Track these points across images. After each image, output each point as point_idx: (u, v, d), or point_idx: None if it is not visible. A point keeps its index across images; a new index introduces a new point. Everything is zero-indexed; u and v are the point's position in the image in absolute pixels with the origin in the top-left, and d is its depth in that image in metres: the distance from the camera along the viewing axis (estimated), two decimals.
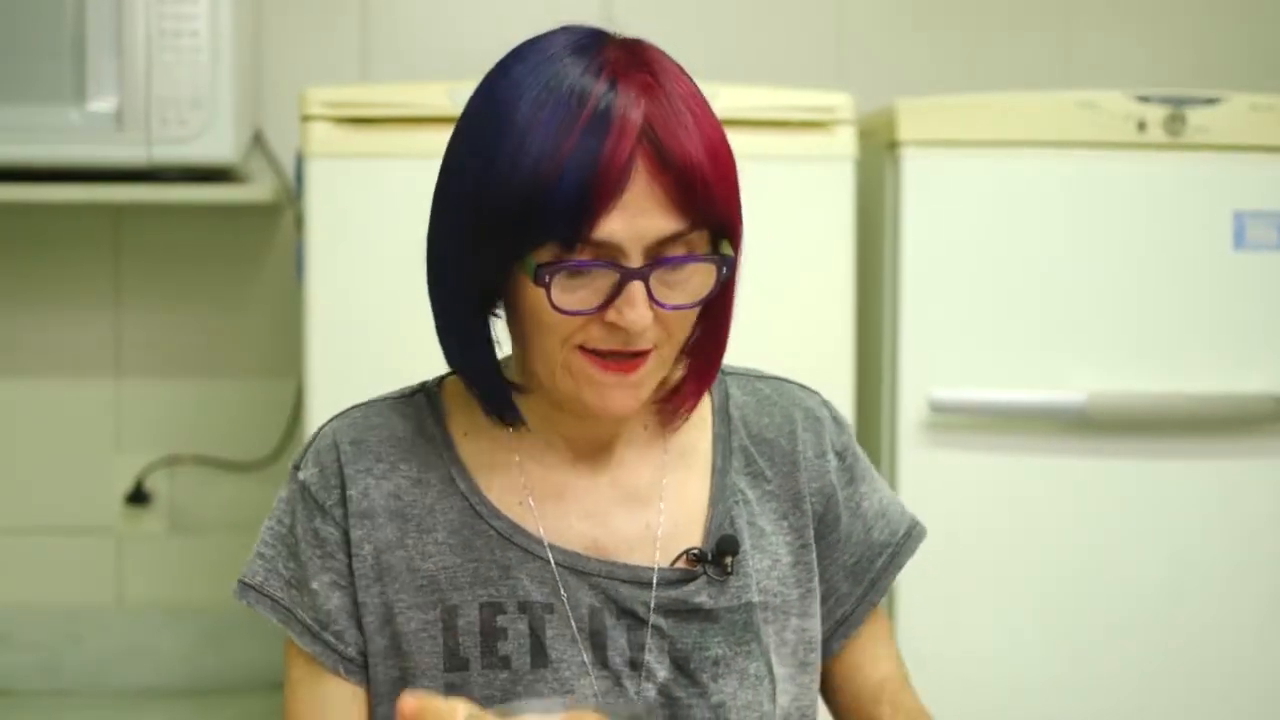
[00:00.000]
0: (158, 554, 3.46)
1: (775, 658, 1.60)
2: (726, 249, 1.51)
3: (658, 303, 1.47)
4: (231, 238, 3.44)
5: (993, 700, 2.70)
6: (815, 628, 1.63)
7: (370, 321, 2.60)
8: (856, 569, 1.67)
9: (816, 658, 1.64)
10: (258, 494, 3.35)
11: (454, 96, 1.47)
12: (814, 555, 1.64)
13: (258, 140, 3.35)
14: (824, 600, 1.66)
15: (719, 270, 1.50)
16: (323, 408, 2.61)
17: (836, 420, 1.71)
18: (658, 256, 1.46)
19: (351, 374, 2.62)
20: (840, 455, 1.68)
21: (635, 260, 1.45)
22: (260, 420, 3.43)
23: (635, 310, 1.45)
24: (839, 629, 1.67)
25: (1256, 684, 2.76)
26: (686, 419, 1.63)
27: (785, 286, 2.69)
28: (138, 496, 3.45)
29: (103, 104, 2.97)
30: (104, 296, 3.44)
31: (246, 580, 1.62)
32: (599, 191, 1.42)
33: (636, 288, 1.45)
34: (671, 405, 1.61)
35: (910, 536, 1.70)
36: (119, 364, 3.46)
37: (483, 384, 1.59)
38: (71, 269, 3.43)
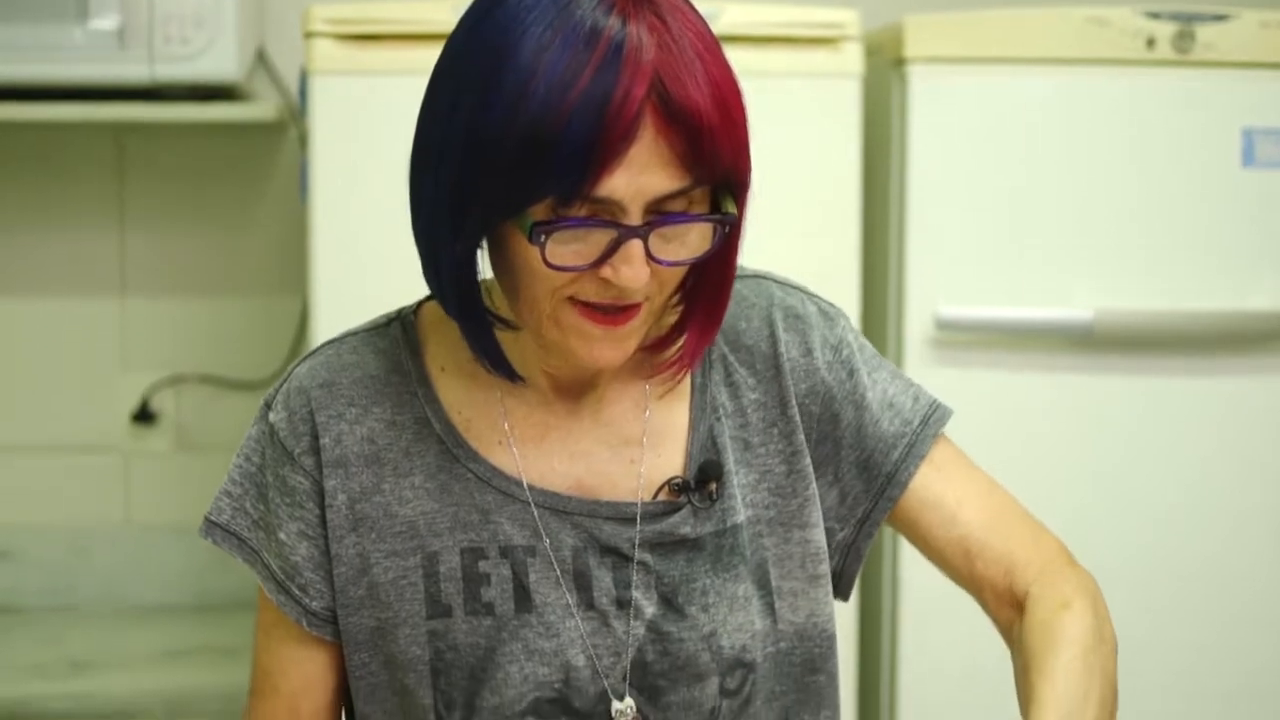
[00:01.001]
0: (164, 472, 3.47)
1: (778, 571, 1.57)
2: (729, 205, 1.43)
3: (655, 259, 1.40)
4: (235, 156, 3.43)
5: None
6: (819, 537, 1.59)
7: (374, 239, 2.59)
8: (869, 464, 1.60)
9: (826, 568, 1.60)
10: None
11: (458, 12, 1.44)
12: (808, 461, 1.59)
13: (261, 58, 3.33)
14: (842, 501, 1.61)
15: (719, 229, 1.43)
16: (327, 326, 2.61)
17: (825, 313, 1.64)
18: (657, 213, 1.39)
19: (356, 292, 2.62)
20: (834, 349, 1.62)
21: (634, 217, 1.38)
22: (265, 339, 3.43)
23: (632, 268, 1.39)
24: (862, 529, 1.62)
25: (1261, 597, 2.77)
26: (685, 376, 1.58)
27: (791, 205, 2.68)
28: (144, 415, 3.45)
29: (105, 22, 2.95)
30: (108, 216, 3.43)
31: (212, 518, 1.59)
32: (605, 147, 1.34)
33: (634, 246, 1.38)
34: (671, 362, 1.55)
35: (928, 424, 1.62)
36: (123, 283, 3.45)
37: (473, 328, 1.51)
38: (75, 188, 3.42)
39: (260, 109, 3.18)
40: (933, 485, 1.61)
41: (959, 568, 1.60)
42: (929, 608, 2.75)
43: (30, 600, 3.43)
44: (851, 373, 1.62)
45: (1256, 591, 2.77)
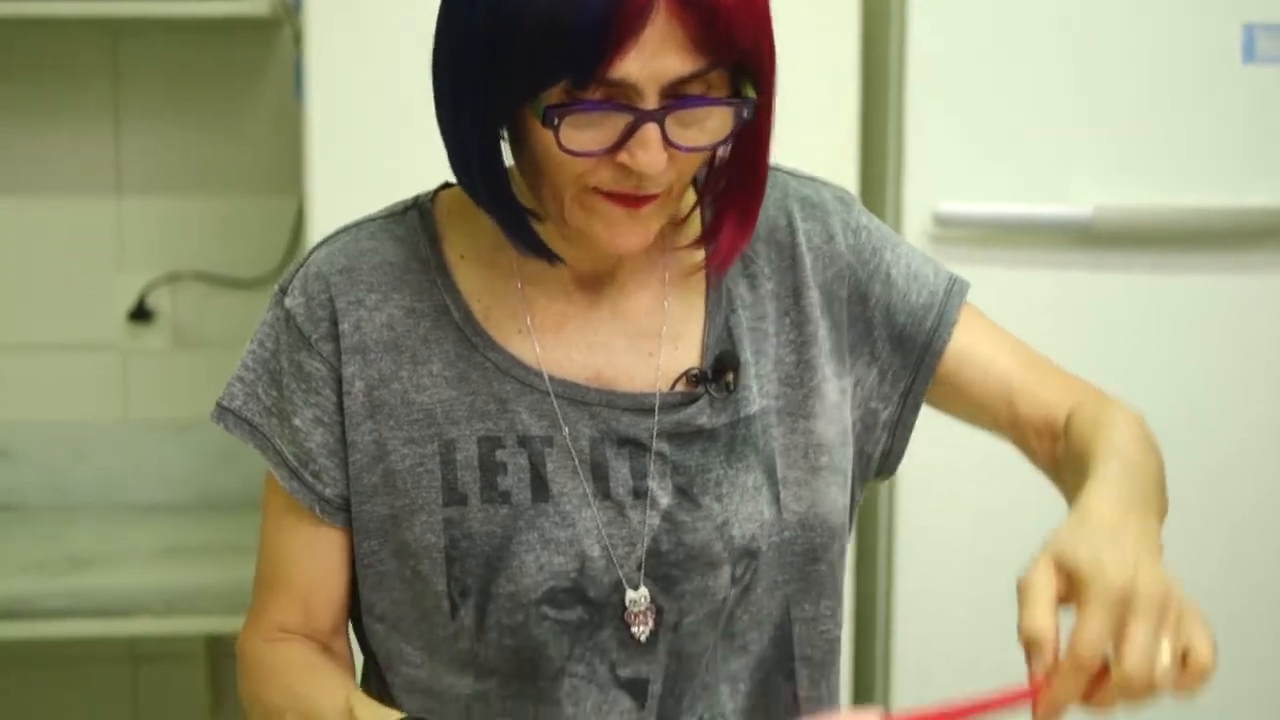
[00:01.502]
0: (161, 370, 3.47)
1: (784, 461, 1.57)
2: (749, 89, 1.43)
3: (673, 144, 1.39)
4: (230, 54, 3.41)
5: (993, 506, 2.72)
6: (822, 428, 1.59)
7: (370, 137, 2.58)
8: (903, 338, 1.62)
9: (829, 459, 1.60)
10: (260, 311, 3.33)
11: None
12: (817, 351, 1.59)
13: None
14: (882, 379, 1.62)
15: (739, 113, 1.42)
16: (324, 224, 2.60)
17: (840, 199, 1.65)
18: (674, 97, 1.38)
19: (352, 191, 2.60)
20: (854, 232, 1.63)
21: (650, 101, 1.37)
22: (262, 237, 3.42)
23: (649, 153, 1.38)
24: (907, 402, 1.64)
25: (1260, 494, 2.77)
26: (729, 266, 1.58)
27: (788, 100, 2.66)
28: (140, 313, 3.45)
29: None
30: (103, 114, 3.42)
31: (224, 403, 1.59)
32: (618, 29, 1.33)
33: (651, 130, 1.38)
34: (706, 260, 1.56)
35: (952, 292, 1.65)
36: (119, 182, 3.44)
37: (506, 215, 1.51)
38: (70, 86, 3.40)
39: (255, 5, 3.16)
40: (967, 345, 1.63)
41: (1002, 414, 1.62)
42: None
43: (29, 498, 3.44)
44: (874, 251, 1.63)
45: (1255, 487, 2.77)
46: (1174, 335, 2.73)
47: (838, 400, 1.61)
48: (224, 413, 1.59)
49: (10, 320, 3.46)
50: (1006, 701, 1.27)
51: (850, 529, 1.66)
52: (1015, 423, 1.62)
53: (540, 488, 1.52)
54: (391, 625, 1.58)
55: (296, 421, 1.55)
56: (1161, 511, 1.45)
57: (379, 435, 1.54)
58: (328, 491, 1.55)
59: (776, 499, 1.57)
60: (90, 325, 3.46)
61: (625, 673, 1.54)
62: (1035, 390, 1.62)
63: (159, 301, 3.46)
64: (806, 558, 1.59)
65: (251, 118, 3.43)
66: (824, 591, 1.62)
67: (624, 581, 1.53)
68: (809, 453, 1.59)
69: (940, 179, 2.71)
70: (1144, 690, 1.23)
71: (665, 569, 1.53)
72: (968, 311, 1.66)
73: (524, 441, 1.53)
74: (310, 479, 1.55)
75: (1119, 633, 1.23)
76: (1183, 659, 1.24)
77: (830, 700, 1.65)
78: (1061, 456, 1.56)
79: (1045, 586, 1.26)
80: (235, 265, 3.44)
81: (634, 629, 1.53)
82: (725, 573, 1.54)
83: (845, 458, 1.62)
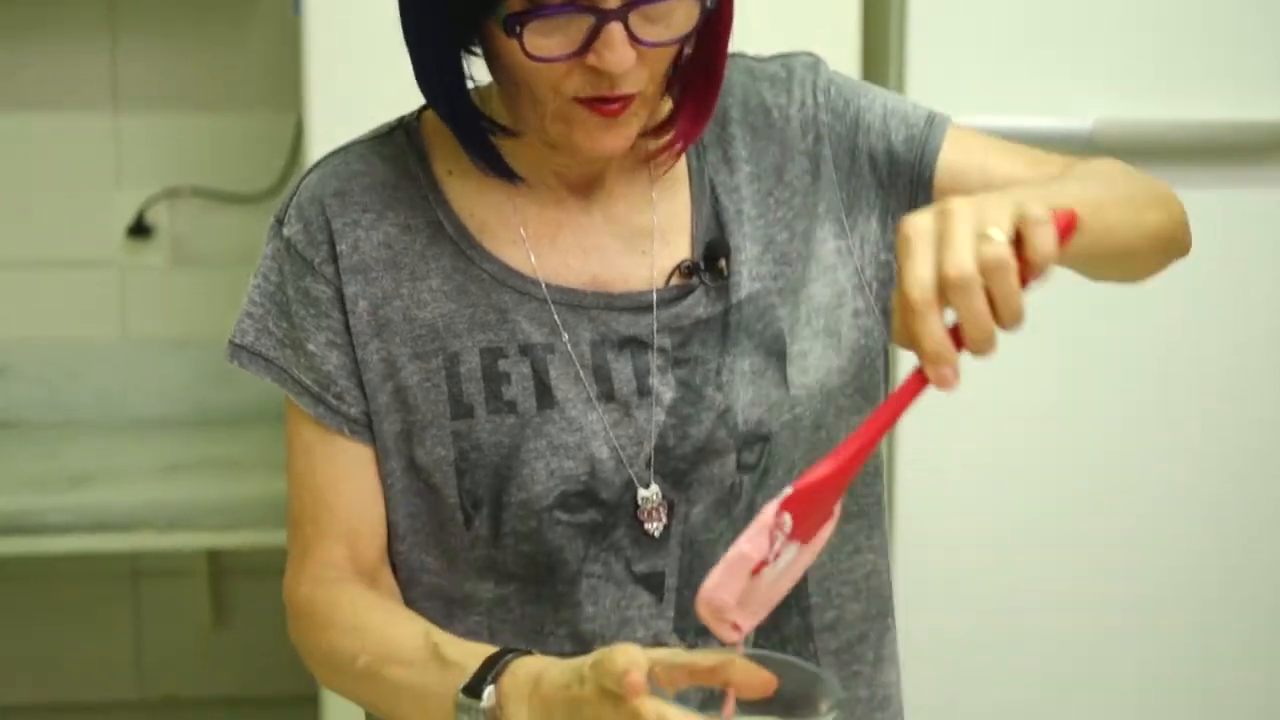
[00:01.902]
0: (160, 287, 3.47)
1: (790, 339, 1.57)
2: None
3: (638, 40, 1.40)
4: None
5: (993, 428, 2.72)
6: (820, 291, 1.59)
7: (368, 51, 2.56)
8: (895, 180, 1.60)
9: (844, 313, 1.59)
10: (259, 227, 3.31)
11: None
12: (809, 223, 1.59)
13: None
14: (885, 228, 1.60)
15: (702, 4, 1.43)
16: (322, 140, 2.59)
17: (808, 65, 1.63)
18: None
19: (351, 106, 2.58)
20: (825, 91, 1.61)
21: (612, 1, 1.38)
22: (261, 153, 3.41)
23: (615, 52, 1.39)
24: None
25: (1264, 410, 2.77)
26: (682, 162, 1.58)
27: (789, 13, 2.65)
28: (139, 230, 3.44)
29: None
30: (100, 29, 3.40)
31: (237, 341, 1.59)
32: None
33: (615, 29, 1.39)
34: (666, 146, 1.55)
35: (934, 123, 1.62)
36: (116, 97, 3.43)
37: (465, 132, 1.53)
38: (67, 1, 3.38)
39: None
40: (958, 161, 1.60)
41: None
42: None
43: (28, 415, 3.44)
44: (848, 104, 1.62)
45: (1258, 401, 2.77)
46: None
47: (837, 263, 1.60)
48: (238, 350, 1.59)
49: (8, 237, 3.45)
50: (901, 403, 1.23)
51: (886, 392, 1.64)
52: None
53: (545, 394, 1.53)
54: (412, 543, 1.58)
55: (311, 347, 1.56)
56: (1088, 199, 1.40)
57: (387, 353, 1.55)
58: (353, 411, 1.56)
59: (784, 379, 1.57)
60: (89, 242, 3.45)
61: (641, 568, 1.55)
62: (1039, 172, 1.59)
63: (157, 218, 3.45)
64: (818, 431, 1.59)
65: (250, 33, 3.41)
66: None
67: (634, 480, 1.54)
68: (812, 319, 1.59)
69: (941, 92, 2.69)
70: (981, 274, 1.19)
71: (673, 463, 1.54)
72: (953, 133, 1.62)
73: (525, 350, 1.54)
74: (335, 401, 1.56)
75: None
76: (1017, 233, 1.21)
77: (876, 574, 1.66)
78: None
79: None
80: (234, 181, 3.43)
81: (647, 525, 1.54)
82: (730, 460, 1.55)
83: (847, 318, 1.60)
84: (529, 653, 1.39)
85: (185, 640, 3.48)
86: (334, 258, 1.55)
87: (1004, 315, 1.20)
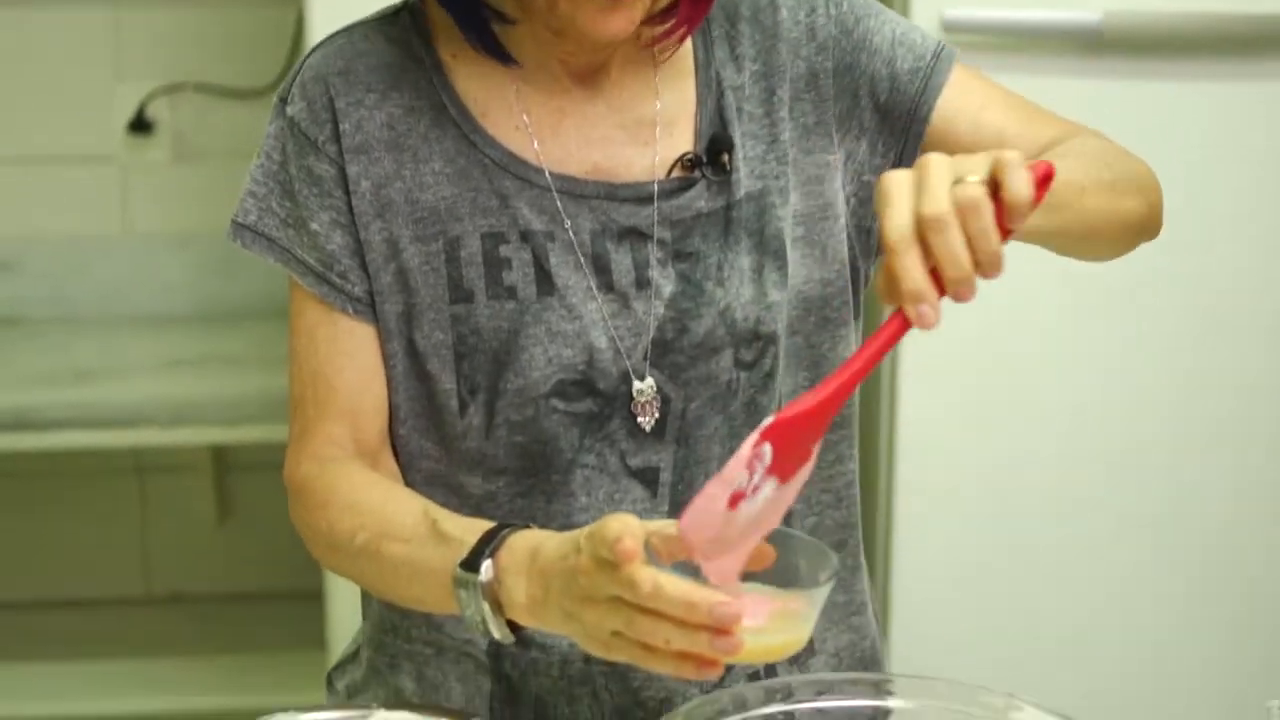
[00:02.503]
0: (162, 182, 3.45)
1: (790, 240, 1.58)
2: None
3: None
4: None
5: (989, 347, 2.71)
6: (809, 203, 1.59)
7: None
8: (891, 106, 1.60)
9: (829, 224, 1.60)
10: (260, 120, 3.29)
11: None
12: (813, 126, 1.59)
13: None
14: (873, 151, 1.61)
15: None
16: (323, 34, 2.56)
17: None
18: None
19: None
20: (836, 4, 1.61)
21: None
22: (262, 47, 3.39)
23: None
24: (900, 166, 1.60)
25: (1257, 311, 2.76)
26: (680, 44, 1.57)
27: None
28: (140, 125, 3.43)
29: None
30: None
31: (239, 220, 1.59)
32: None
33: None
34: (669, 31, 1.55)
35: (940, 57, 1.62)
36: None
37: (459, 13, 1.53)
38: None
39: None
40: (955, 104, 1.61)
41: None
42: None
43: (32, 311, 3.44)
44: (858, 21, 1.61)
45: (1257, 295, 2.76)
46: (1184, 144, 2.71)
47: (824, 175, 1.60)
48: (240, 229, 1.59)
49: (9, 133, 3.43)
50: (883, 343, 1.25)
51: (859, 313, 1.66)
52: None
53: (545, 282, 1.54)
54: (411, 426, 1.59)
55: (314, 226, 1.56)
56: (1076, 180, 1.45)
57: (389, 233, 1.55)
58: (356, 290, 1.56)
59: (785, 280, 1.57)
60: (90, 138, 3.44)
61: (635, 462, 1.56)
62: (1026, 137, 1.60)
63: (158, 113, 3.43)
64: (793, 336, 1.60)
65: None
66: (832, 369, 1.62)
67: (631, 372, 1.55)
68: (804, 229, 1.59)
69: None
70: (957, 215, 1.21)
71: (671, 357, 1.55)
72: (957, 72, 1.63)
73: (526, 236, 1.54)
74: (339, 280, 1.56)
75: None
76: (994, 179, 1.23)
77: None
78: None
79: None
80: (235, 75, 3.41)
81: (641, 419, 1.55)
82: (728, 356, 1.56)
83: (835, 232, 1.61)
84: (526, 527, 1.39)
85: (190, 536, 3.50)
86: (337, 137, 1.55)
87: (981, 257, 1.23)
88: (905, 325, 1.23)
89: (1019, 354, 2.68)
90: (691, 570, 1.27)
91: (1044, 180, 1.28)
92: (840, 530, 1.67)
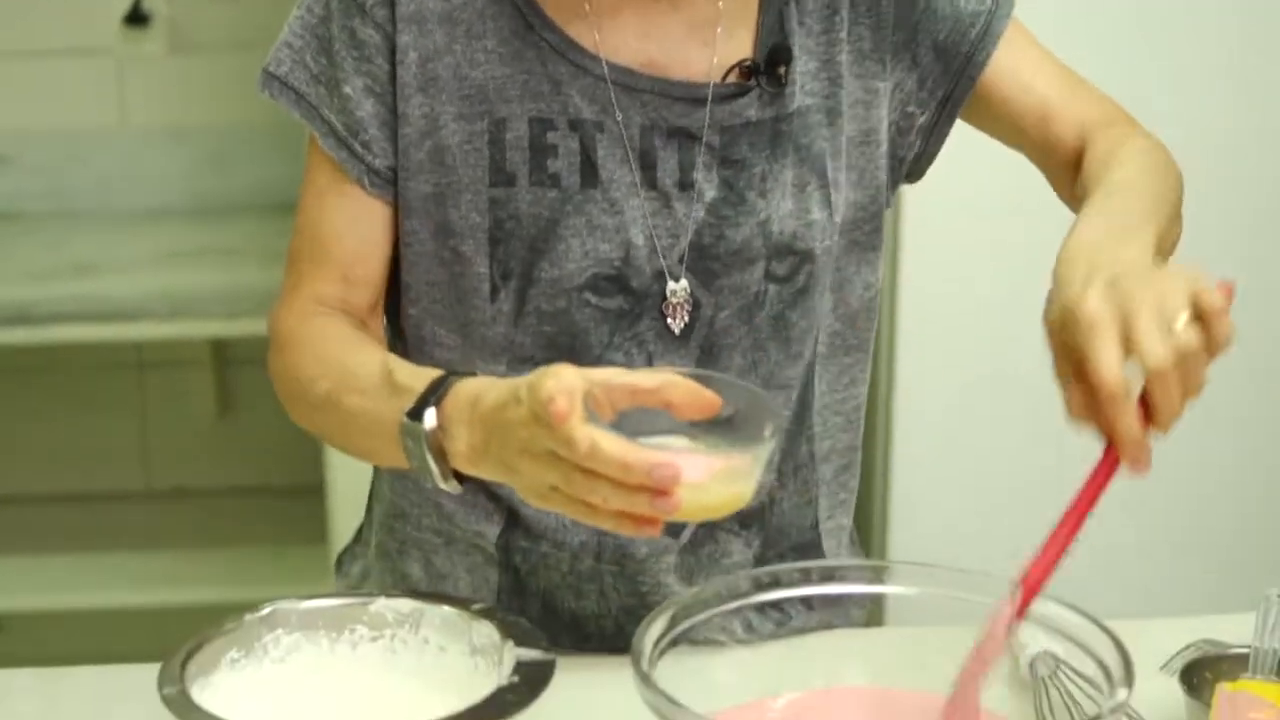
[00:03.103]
0: (158, 75, 3.43)
1: (834, 164, 1.57)
2: None
3: None
4: None
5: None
6: (855, 127, 1.59)
7: None
8: (947, 46, 1.60)
9: (871, 150, 1.59)
10: (257, 13, 3.29)
11: None
12: (868, 49, 1.58)
13: None
14: (921, 85, 1.60)
15: None
16: None
17: None
18: None
19: None
20: None
21: None
22: None
23: None
24: (944, 111, 1.62)
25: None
26: None
27: None
28: (136, 17, 3.40)
29: None
30: None
31: (270, 69, 1.57)
32: None
33: None
34: None
35: (1001, 2, 1.62)
36: None
37: None
38: None
39: None
40: (1010, 61, 1.62)
41: (1034, 132, 1.62)
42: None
43: (29, 206, 3.43)
44: None
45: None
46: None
47: (872, 101, 1.59)
48: (270, 79, 1.57)
49: (4, 26, 3.40)
50: (1099, 486, 1.27)
51: (883, 240, 1.66)
52: (1046, 142, 1.62)
53: (590, 173, 1.53)
54: (425, 309, 1.58)
55: (347, 89, 1.54)
56: (1161, 230, 1.44)
57: (430, 109, 1.53)
58: (377, 163, 1.55)
59: (828, 201, 1.57)
60: (85, 30, 3.41)
61: (660, 364, 1.55)
62: (1071, 111, 1.61)
63: (154, 4, 3.41)
64: (845, 258, 1.61)
65: None
66: (860, 295, 1.64)
67: (666, 273, 1.54)
68: (849, 153, 1.59)
69: None
70: (1177, 366, 1.23)
71: (706, 262, 1.55)
72: (1014, 27, 1.63)
73: (575, 125, 1.53)
74: (360, 149, 1.55)
75: (1128, 342, 1.23)
76: (1197, 316, 1.25)
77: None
78: (1079, 193, 1.54)
79: (1061, 357, 1.28)
80: None
81: (670, 321, 1.55)
82: (760, 268, 1.55)
83: (875, 158, 1.61)
84: (474, 374, 1.38)
85: (191, 431, 3.50)
86: (391, 3, 1.52)
87: (1192, 393, 1.25)
88: (1116, 466, 1.26)
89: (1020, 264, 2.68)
90: (637, 420, 1.27)
91: (1228, 299, 1.29)
92: (848, 453, 1.68)
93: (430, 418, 1.35)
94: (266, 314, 1.62)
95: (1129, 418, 1.23)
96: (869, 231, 1.62)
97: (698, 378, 1.27)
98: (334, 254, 1.57)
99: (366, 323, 1.58)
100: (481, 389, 1.33)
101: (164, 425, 3.50)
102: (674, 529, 1.58)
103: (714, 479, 1.26)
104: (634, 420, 1.27)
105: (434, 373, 1.40)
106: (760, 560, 1.63)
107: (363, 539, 1.75)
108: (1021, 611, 1.26)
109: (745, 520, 1.61)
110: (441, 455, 1.35)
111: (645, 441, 1.24)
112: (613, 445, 1.21)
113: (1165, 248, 1.45)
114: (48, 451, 3.49)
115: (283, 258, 1.62)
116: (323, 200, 1.57)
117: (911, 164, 1.65)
